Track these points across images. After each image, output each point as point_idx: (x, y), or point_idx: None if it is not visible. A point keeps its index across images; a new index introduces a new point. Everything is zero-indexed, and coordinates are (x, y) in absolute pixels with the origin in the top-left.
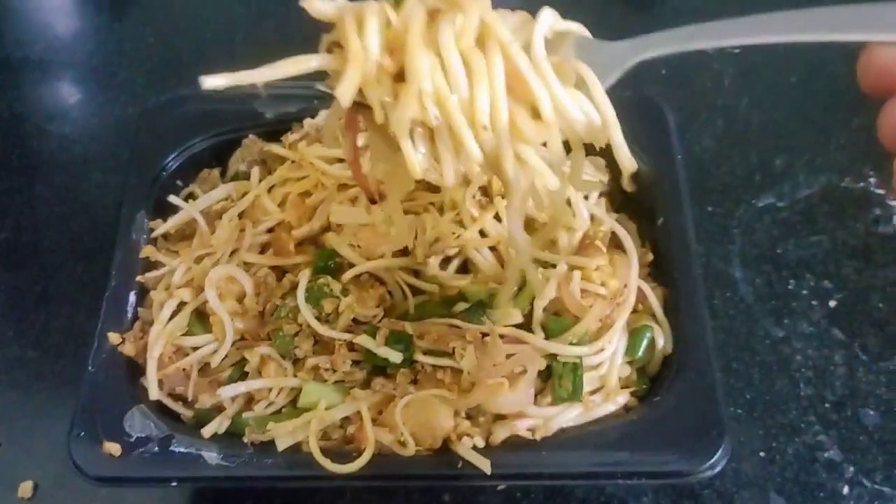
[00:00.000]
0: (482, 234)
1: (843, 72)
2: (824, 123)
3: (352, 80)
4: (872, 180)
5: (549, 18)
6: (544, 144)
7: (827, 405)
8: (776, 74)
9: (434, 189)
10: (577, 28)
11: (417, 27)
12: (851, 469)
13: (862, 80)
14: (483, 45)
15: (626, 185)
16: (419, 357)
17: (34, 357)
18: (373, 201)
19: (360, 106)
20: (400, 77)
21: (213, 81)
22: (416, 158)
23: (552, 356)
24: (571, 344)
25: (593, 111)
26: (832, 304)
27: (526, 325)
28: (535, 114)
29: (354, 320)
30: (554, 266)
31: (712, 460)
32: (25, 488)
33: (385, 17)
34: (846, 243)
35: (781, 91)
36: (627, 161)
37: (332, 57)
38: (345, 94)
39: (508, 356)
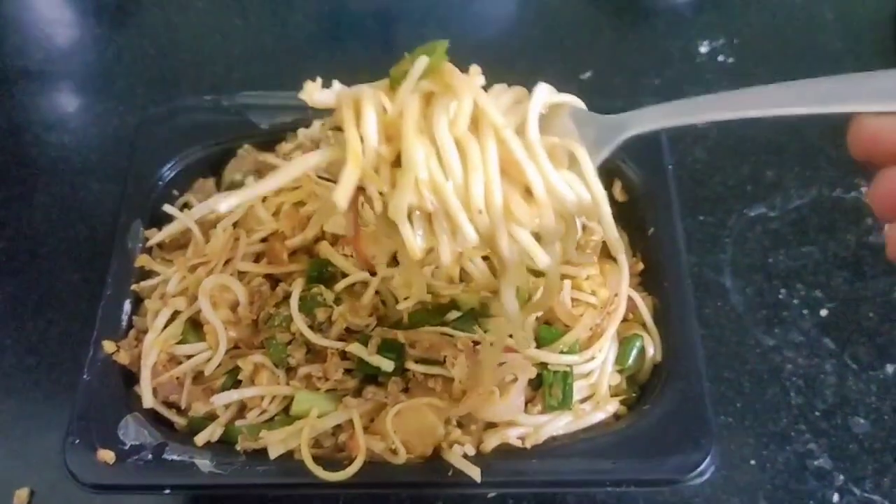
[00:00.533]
0: None
1: None
2: (815, 136)
3: (349, 182)
4: (863, 191)
5: (543, 95)
6: None
7: (817, 413)
8: None
9: None
10: (571, 100)
11: (412, 116)
12: (841, 477)
13: (853, 150)
14: (477, 129)
15: (618, 195)
16: (411, 365)
17: (31, 364)
18: (372, 274)
19: (361, 188)
20: (397, 162)
21: (227, 203)
22: (415, 243)
23: (543, 365)
24: (562, 353)
25: (584, 192)
26: (823, 313)
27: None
28: (528, 193)
29: (347, 329)
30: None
31: (700, 468)
32: (21, 496)
33: (380, 102)
34: (837, 254)
35: None
36: (615, 240)
37: (331, 150)
38: (342, 199)
39: (500, 364)
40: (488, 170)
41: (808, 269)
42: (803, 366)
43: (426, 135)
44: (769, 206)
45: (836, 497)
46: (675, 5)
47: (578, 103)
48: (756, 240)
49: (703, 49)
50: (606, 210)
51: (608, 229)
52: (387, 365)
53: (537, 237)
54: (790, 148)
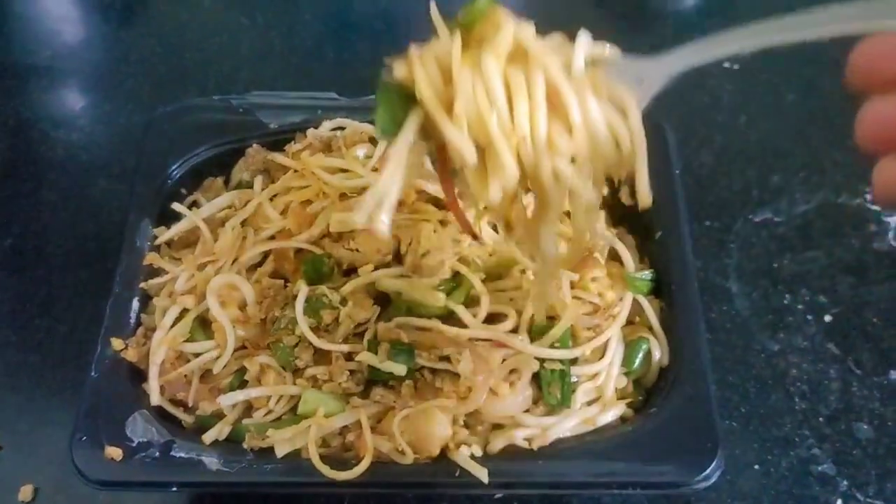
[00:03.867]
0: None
1: (838, 91)
2: (820, 141)
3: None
4: (868, 197)
5: (587, 40)
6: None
7: (821, 419)
8: (773, 92)
9: (438, 204)
10: (610, 52)
11: (457, 48)
12: (845, 483)
13: (852, 78)
14: (526, 64)
15: (625, 198)
16: (418, 361)
17: (36, 362)
18: (474, 237)
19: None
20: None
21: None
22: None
23: (542, 363)
24: (553, 347)
25: (624, 130)
26: (827, 318)
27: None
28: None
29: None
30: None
31: (706, 472)
32: (26, 492)
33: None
34: (841, 259)
35: (778, 109)
36: (645, 196)
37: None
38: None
39: (503, 360)
40: (535, 95)
41: (813, 274)
42: (808, 371)
43: (477, 69)
44: (775, 211)
45: (839, 502)
46: (683, 9)
47: (618, 56)
48: (761, 245)
49: None
50: (643, 152)
51: (640, 183)
52: (399, 370)
53: None
54: (796, 152)
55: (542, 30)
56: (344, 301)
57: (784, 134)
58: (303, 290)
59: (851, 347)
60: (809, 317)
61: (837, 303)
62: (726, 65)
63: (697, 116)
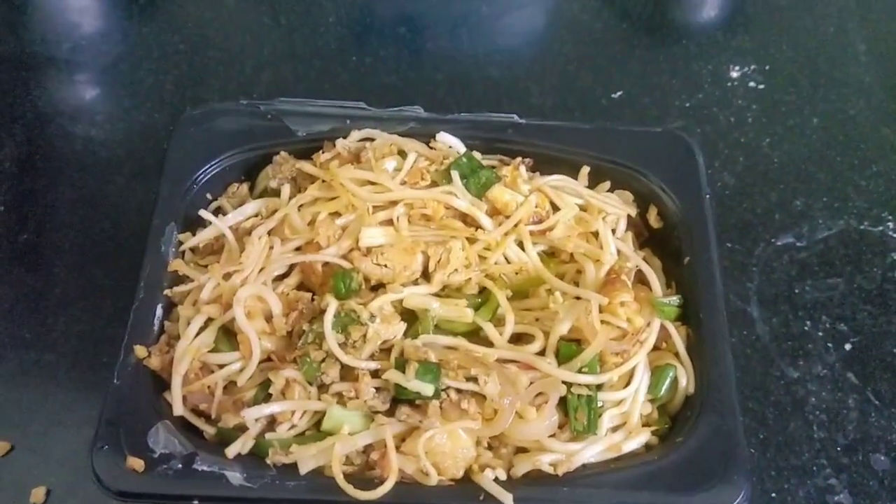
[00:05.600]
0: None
1: (863, 116)
2: (844, 167)
3: None
4: (891, 225)
5: None
6: None
7: (839, 449)
8: (798, 115)
9: (466, 220)
10: None
11: None
12: None
13: None
14: None
15: (653, 221)
16: (444, 381)
17: (51, 361)
18: None
19: None
20: None
21: None
22: None
23: (568, 388)
24: (581, 371)
25: None
26: (847, 347)
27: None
28: None
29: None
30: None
31: None
32: (38, 494)
33: None
34: (862, 287)
35: (802, 132)
36: None
37: None
38: None
39: (530, 383)
40: None
41: (833, 301)
42: (826, 400)
43: None
44: (797, 236)
45: None
46: (707, 27)
47: None
48: (783, 269)
49: (734, 73)
50: None
51: None
52: (427, 390)
53: None
54: (819, 177)
55: (568, 47)
56: (373, 317)
57: (808, 158)
58: (332, 304)
59: (871, 377)
60: (829, 345)
61: (857, 332)
62: (751, 84)
63: (721, 136)
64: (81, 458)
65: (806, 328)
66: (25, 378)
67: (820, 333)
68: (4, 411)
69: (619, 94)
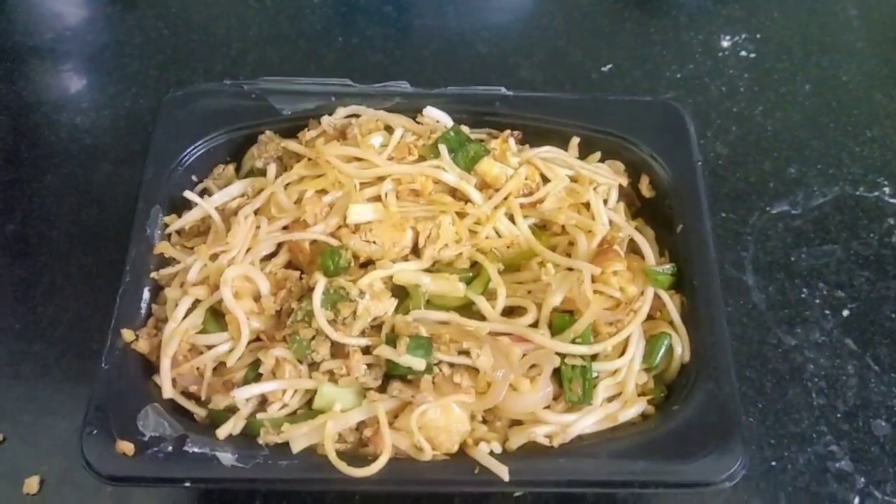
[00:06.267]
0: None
1: (855, 82)
2: (837, 133)
3: None
4: (886, 190)
5: None
6: None
7: (839, 415)
8: (790, 82)
9: (455, 195)
10: None
11: None
12: (862, 480)
13: None
14: None
15: (645, 190)
16: (437, 355)
17: (40, 350)
18: None
19: None
20: None
21: None
22: None
23: (562, 359)
24: (574, 342)
25: None
26: (845, 313)
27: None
28: None
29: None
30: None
31: (731, 472)
32: (31, 483)
33: None
34: (859, 253)
35: (795, 100)
36: None
37: None
38: None
39: (523, 356)
40: None
41: (830, 267)
42: (825, 366)
43: None
44: (791, 204)
45: (857, 500)
46: None
47: None
48: (778, 237)
49: (725, 43)
50: None
51: None
52: (419, 364)
53: None
54: (812, 144)
55: (556, 21)
56: (362, 294)
57: (800, 125)
58: (321, 281)
59: (869, 343)
60: (827, 311)
61: (855, 298)
62: (743, 53)
63: (713, 106)
64: (73, 446)
65: (803, 295)
66: (15, 368)
67: (817, 300)
68: None
69: (609, 67)
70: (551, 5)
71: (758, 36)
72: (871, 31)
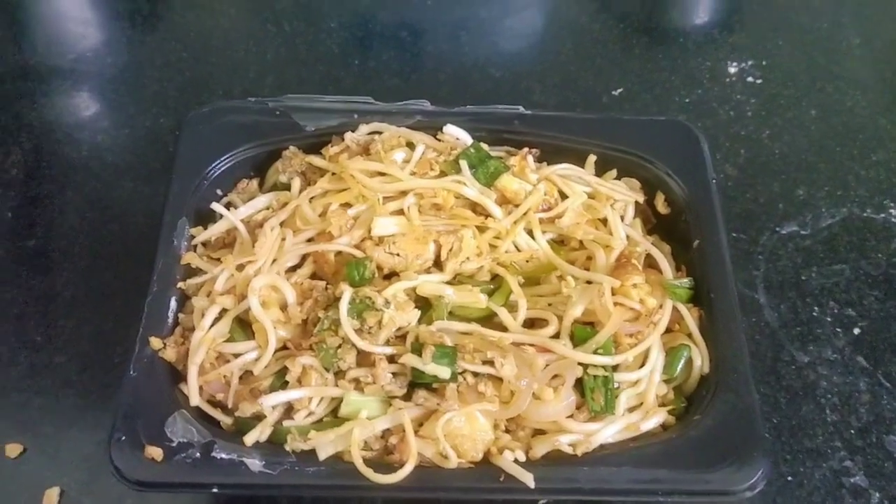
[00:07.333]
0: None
1: (860, 107)
2: (843, 156)
3: None
4: (893, 212)
5: None
6: None
7: (852, 431)
8: (796, 108)
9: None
10: None
11: None
12: (878, 495)
13: None
14: None
15: (660, 207)
16: (461, 364)
17: (61, 363)
18: None
19: None
20: None
21: None
22: None
23: (584, 369)
24: (596, 353)
25: None
26: (856, 331)
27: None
28: None
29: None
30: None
31: (753, 480)
32: (51, 495)
33: None
34: (868, 273)
35: (801, 124)
36: None
37: None
38: None
39: (546, 366)
40: None
41: (840, 287)
42: (838, 383)
43: None
44: (801, 225)
45: None
46: (704, 26)
47: None
48: (788, 257)
49: (732, 69)
50: None
51: None
52: (444, 373)
53: None
54: (819, 167)
55: (567, 47)
56: (387, 303)
57: (808, 148)
58: (347, 291)
59: (881, 360)
60: (838, 329)
61: (865, 316)
62: (749, 79)
63: (721, 129)
64: (94, 458)
65: (814, 314)
66: (37, 381)
67: (828, 318)
68: (16, 414)
69: (619, 91)
70: (562, 32)
71: (764, 63)
72: (874, 59)
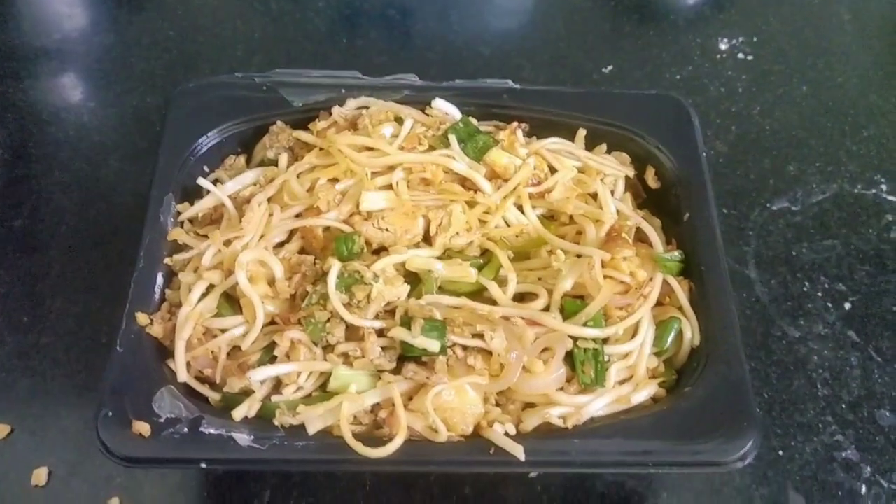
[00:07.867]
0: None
1: (851, 83)
2: (835, 132)
3: None
4: (884, 187)
5: None
6: None
7: (843, 406)
8: (787, 84)
9: (465, 184)
10: None
11: None
12: (868, 469)
13: None
14: None
15: (651, 181)
16: (451, 338)
17: (48, 343)
18: None
19: None
20: None
21: None
22: None
23: (574, 342)
24: (586, 325)
25: None
26: (847, 306)
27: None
28: None
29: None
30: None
31: (743, 451)
32: (39, 475)
33: None
34: (859, 248)
35: (792, 100)
36: None
37: None
38: None
39: (536, 339)
40: None
41: (831, 262)
42: (829, 358)
43: None
44: (791, 200)
45: (863, 489)
46: (696, 3)
47: None
48: (779, 233)
49: (723, 46)
50: None
51: None
52: (433, 346)
53: None
54: (810, 143)
55: (557, 25)
56: (376, 277)
57: (798, 125)
58: (335, 265)
59: (872, 335)
60: (829, 304)
61: (856, 291)
62: (740, 55)
63: (713, 106)
64: (82, 437)
65: (805, 289)
66: (24, 361)
67: (819, 293)
68: (4, 394)
69: (609, 68)
70: (552, 9)
71: (754, 39)
72: (864, 35)
